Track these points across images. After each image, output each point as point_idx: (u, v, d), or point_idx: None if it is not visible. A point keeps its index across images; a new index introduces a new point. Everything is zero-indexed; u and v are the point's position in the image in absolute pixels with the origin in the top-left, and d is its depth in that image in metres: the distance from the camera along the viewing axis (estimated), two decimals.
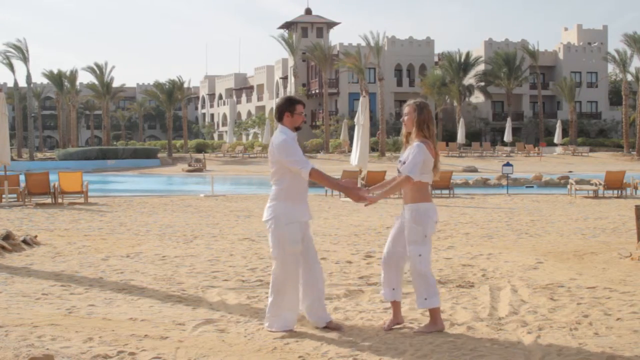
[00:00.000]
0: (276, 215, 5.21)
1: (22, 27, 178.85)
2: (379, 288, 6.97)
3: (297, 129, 5.35)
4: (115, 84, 65.97)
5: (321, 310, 5.39)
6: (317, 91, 63.15)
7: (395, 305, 5.44)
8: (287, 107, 5.31)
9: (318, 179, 5.22)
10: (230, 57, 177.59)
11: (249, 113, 77.07)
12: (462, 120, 53.91)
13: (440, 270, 8.00)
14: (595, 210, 16.02)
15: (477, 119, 64.49)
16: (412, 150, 5.26)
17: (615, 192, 21.05)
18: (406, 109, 5.42)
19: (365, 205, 5.37)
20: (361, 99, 20.38)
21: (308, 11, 67.82)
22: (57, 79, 63.13)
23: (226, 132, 73.58)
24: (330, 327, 5.36)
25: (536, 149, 53.65)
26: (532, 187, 26.37)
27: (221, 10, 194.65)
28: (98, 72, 62.20)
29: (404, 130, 5.48)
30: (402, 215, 5.39)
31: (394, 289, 5.42)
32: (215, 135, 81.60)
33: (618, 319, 5.66)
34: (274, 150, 5.22)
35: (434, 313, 5.34)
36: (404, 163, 5.31)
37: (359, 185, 20.20)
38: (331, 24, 66.92)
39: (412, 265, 5.30)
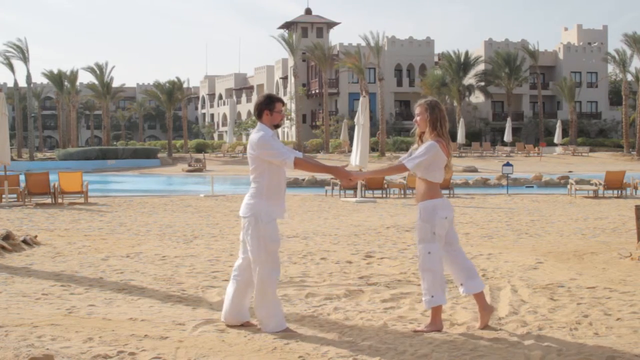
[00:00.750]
0: (256, 213, 5.20)
1: (22, 27, 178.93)
2: (380, 288, 6.97)
3: (276, 126, 5.37)
4: (115, 84, 65.97)
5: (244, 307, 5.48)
6: (317, 91, 63.17)
7: (478, 297, 5.44)
8: (266, 105, 5.32)
9: (304, 167, 5.22)
10: (230, 57, 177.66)
11: (249, 113, 77.04)
12: (462, 120, 53.91)
13: None
14: (595, 210, 16.02)
15: (477, 119, 64.49)
16: (424, 147, 5.27)
17: (615, 192, 21.05)
18: (418, 109, 5.43)
19: (349, 183, 5.35)
20: (361, 99, 20.38)
21: (308, 11, 67.83)
22: (57, 79, 63.12)
23: (226, 132, 73.55)
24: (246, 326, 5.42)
25: (536, 149, 53.64)
26: (532, 187, 26.37)
27: (221, 10, 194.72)
28: (98, 72, 62.18)
29: (417, 130, 5.48)
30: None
31: (462, 284, 5.44)
32: (215, 135, 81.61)
33: (618, 319, 5.66)
34: (253, 147, 5.23)
35: (436, 312, 5.35)
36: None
37: (359, 186, 20.25)
38: (331, 24, 66.94)
39: (422, 263, 5.29)
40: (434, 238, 5.25)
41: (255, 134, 5.26)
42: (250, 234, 5.21)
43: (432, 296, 5.26)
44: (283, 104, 5.42)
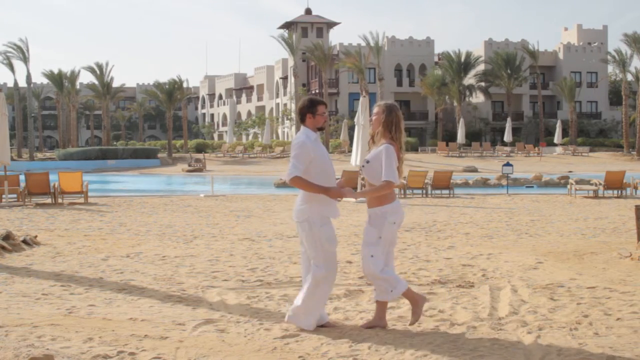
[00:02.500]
0: (309, 218, 5.24)
1: (22, 27, 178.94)
2: None
3: (320, 129, 5.44)
4: (115, 84, 66.03)
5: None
6: (317, 91, 63.14)
7: (382, 305, 5.45)
8: (309, 109, 5.37)
9: (299, 185, 5.19)
10: (230, 57, 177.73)
11: (249, 113, 77.10)
12: (462, 120, 53.92)
13: (440, 270, 8.00)
14: (595, 210, 16.02)
15: (477, 119, 64.49)
16: (382, 153, 5.24)
17: (615, 192, 21.05)
18: (375, 109, 5.45)
19: (338, 200, 5.35)
20: (361, 99, 20.38)
21: (308, 11, 67.83)
22: (57, 79, 63.14)
23: (226, 132, 73.59)
24: (327, 326, 5.43)
25: (536, 149, 53.65)
26: (532, 187, 26.38)
27: (221, 10, 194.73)
28: (98, 72, 62.21)
29: (370, 130, 5.49)
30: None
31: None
32: (215, 135, 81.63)
33: (618, 319, 5.66)
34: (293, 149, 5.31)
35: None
36: (368, 162, 5.34)
37: (359, 185, 20.22)
38: (331, 24, 66.94)
39: (364, 267, 5.29)
40: (379, 242, 5.24)
41: (297, 137, 5.31)
42: (306, 238, 5.27)
43: (392, 290, 5.26)
44: (326, 106, 5.47)
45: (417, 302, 5.40)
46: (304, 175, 5.22)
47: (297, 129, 55.53)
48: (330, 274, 5.31)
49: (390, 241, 5.33)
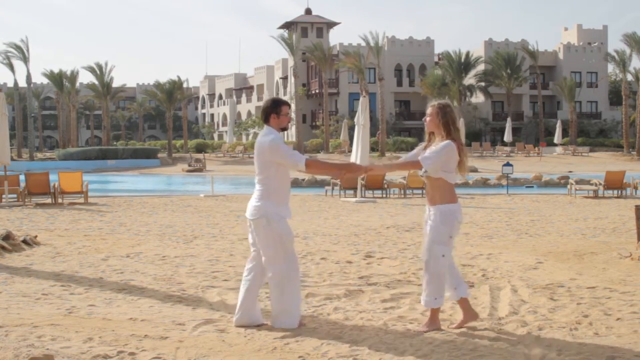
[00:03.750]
0: (266, 214, 5.23)
1: (22, 27, 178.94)
2: (379, 288, 6.97)
3: (283, 129, 5.43)
4: (115, 84, 66.01)
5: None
6: (317, 91, 63.18)
7: (463, 302, 5.45)
8: (273, 109, 5.38)
9: (316, 168, 5.25)
10: (230, 57, 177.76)
11: (249, 113, 77.10)
12: (462, 120, 53.64)
13: None
14: (595, 210, 16.01)
15: (477, 119, 64.48)
16: (441, 146, 5.26)
17: (615, 192, 21.05)
18: (429, 109, 5.44)
19: (364, 174, 5.36)
20: (361, 99, 20.38)
21: (308, 11, 67.82)
22: (57, 79, 63.14)
23: (226, 132, 73.59)
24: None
25: (536, 149, 53.64)
26: (532, 187, 26.37)
27: (221, 10, 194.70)
28: (98, 72, 62.18)
29: (426, 129, 5.50)
30: (428, 216, 5.38)
31: (455, 288, 5.41)
32: (215, 136, 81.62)
33: (618, 319, 5.66)
34: (264, 151, 5.26)
35: (435, 312, 5.39)
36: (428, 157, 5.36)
37: (359, 186, 20.25)
38: (331, 24, 66.93)
39: (434, 266, 5.27)
40: (450, 242, 5.30)
41: (264, 137, 5.30)
42: (263, 235, 5.25)
43: (436, 298, 5.28)
44: (289, 106, 5.48)
45: (435, 322, 5.37)
46: (268, 179, 5.26)
47: (298, 129, 55.79)
48: (293, 269, 5.28)
49: (453, 241, 5.39)
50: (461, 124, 52.70)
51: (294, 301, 5.33)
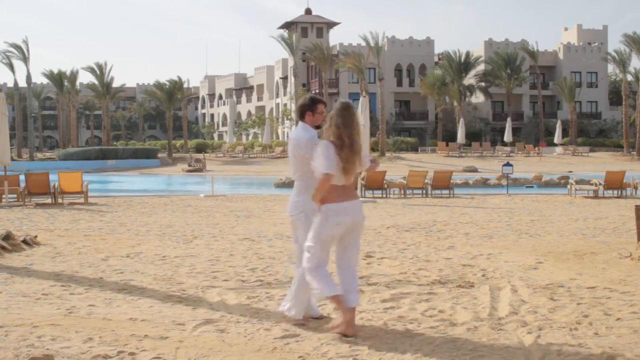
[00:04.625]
0: (305, 210, 5.35)
1: (22, 27, 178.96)
2: (379, 288, 6.97)
3: (317, 127, 5.51)
4: (115, 84, 66.01)
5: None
6: (317, 91, 63.12)
7: (349, 311, 5.20)
8: (309, 107, 5.47)
9: (322, 187, 5.17)
10: (230, 57, 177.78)
11: (249, 113, 77.08)
12: (462, 120, 53.92)
13: (440, 270, 8.00)
14: (595, 210, 16.01)
15: (477, 119, 64.50)
16: (319, 147, 5.26)
17: (615, 192, 21.05)
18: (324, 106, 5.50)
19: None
20: (361, 99, 20.38)
21: (308, 11, 67.81)
22: (57, 79, 63.14)
23: (226, 132, 73.59)
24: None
25: (536, 149, 53.64)
26: (532, 187, 26.38)
27: (221, 10, 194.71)
28: (98, 72, 62.21)
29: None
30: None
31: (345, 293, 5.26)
32: (215, 135, 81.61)
33: (618, 319, 5.66)
34: (299, 146, 5.34)
35: (339, 302, 5.20)
36: None
37: (359, 185, 20.22)
38: (331, 24, 66.92)
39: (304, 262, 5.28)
40: (318, 241, 5.17)
41: (301, 132, 5.38)
42: (302, 227, 5.36)
43: (319, 292, 5.19)
44: (325, 105, 5.54)
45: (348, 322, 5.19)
46: (307, 174, 5.32)
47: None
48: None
49: (326, 241, 5.26)
50: (461, 124, 53.01)
51: (307, 294, 5.42)
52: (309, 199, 5.31)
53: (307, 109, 5.46)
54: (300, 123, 5.49)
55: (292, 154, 5.44)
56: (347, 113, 5.23)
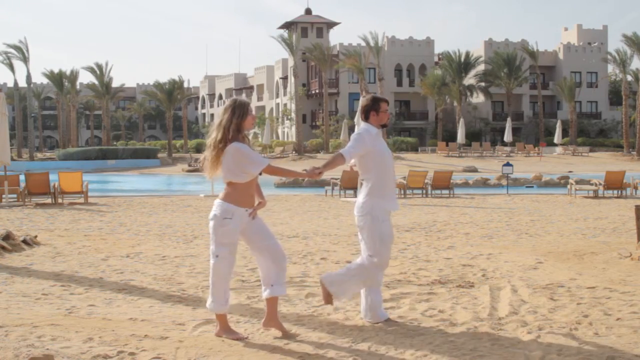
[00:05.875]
0: (371, 211, 5.38)
1: (22, 27, 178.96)
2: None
3: (383, 126, 5.54)
4: (115, 84, 66.07)
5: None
6: (317, 91, 63.16)
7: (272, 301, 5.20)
8: (372, 106, 5.51)
9: (337, 161, 5.26)
10: (230, 57, 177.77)
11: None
12: (462, 120, 53.92)
13: (440, 270, 8.00)
14: (595, 210, 16.01)
15: (477, 119, 64.48)
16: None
17: (615, 192, 21.05)
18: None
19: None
20: (361, 99, 20.40)
21: (308, 11, 67.79)
22: (57, 79, 63.16)
23: None
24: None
25: (536, 149, 53.63)
26: (532, 187, 26.38)
27: (221, 10, 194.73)
28: (98, 72, 62.22)
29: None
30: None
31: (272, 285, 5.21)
32: None
33: (618, 319, 5.66)
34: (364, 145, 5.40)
35: (220, 319, 5.18)
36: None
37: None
38: (331, 24, 66.91)
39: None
40: (224, 245, 5.09)
41: (357, 131, 5.49)
42: (367, 231, 5.39)
43: (212, 300, 5.08)
44: (388, 103, 5.58)
45: (225, 329, 5.18)
46: (361, 167, 5.42)
47: (298, 129, 55.73)
48: (379, 268, 5.42)
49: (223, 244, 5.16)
50: (461, 124, 53.02)
51: (355, 285, 5.47)
52: (374, 200, 5.39)
53: (371, 109, 5.50)
54: (362, 124, 5.52)
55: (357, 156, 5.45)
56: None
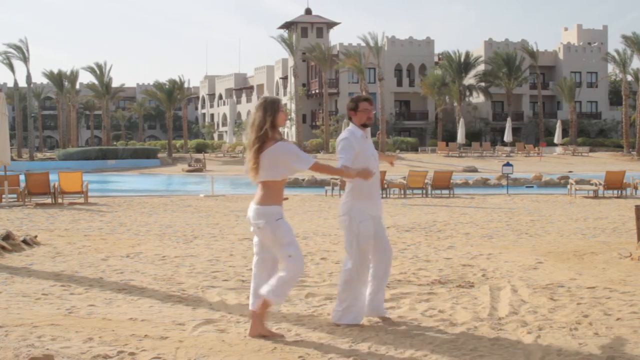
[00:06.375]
0: (349, 212, 5.39)
1: (22, 27, 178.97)
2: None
3: (364, 125, 5.51)
4: (115, 84, 66.02)
5: (378, 301, 5.57)
6: (317, 91, 63.17)
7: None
8: (352, 106, 5.55)
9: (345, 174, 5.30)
10: (230, 57, 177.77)
11: (249, 113, 76.90)
12: (462, 120, 53.92)
13: (440, 270, 8.00)
14: (595, 210, 16.01)
15: (477, 119, 64.48)
16: None
17: (615, 192, 21.05)
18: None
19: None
20: None
21: (308, 11, 67.78)
22: (57, 79, 63.15)
23: (226, 132, 73.58)
24: (385, 322, 5.54)
25: (536, 149, 53.62)
26: (532, 187, 26.37)
27: (221, 10, 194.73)
28: (98, 72, 62.19)
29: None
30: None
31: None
32: (215, 136, 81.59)
33: (618, 319, 5.66)
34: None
35: (263, 309, 5.12)
36: None
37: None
38: (331, 24, 66.90)
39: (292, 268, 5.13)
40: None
41: (340, 136, 5.47)
42: (346, 232, 5.41)
43: (273, 291, 5.01)
44: (369, 102, 5.57)
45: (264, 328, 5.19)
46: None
47: (298, 129, 55.77)
48: (361, 269, 5.40)
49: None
50: (461, 124, 53.03)
51: (355, 299, 5.42)
52: (354, 201, 5.41)
53: (351, 109, 5.53)
54: (348, 127, 5.56)
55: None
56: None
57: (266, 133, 4.96)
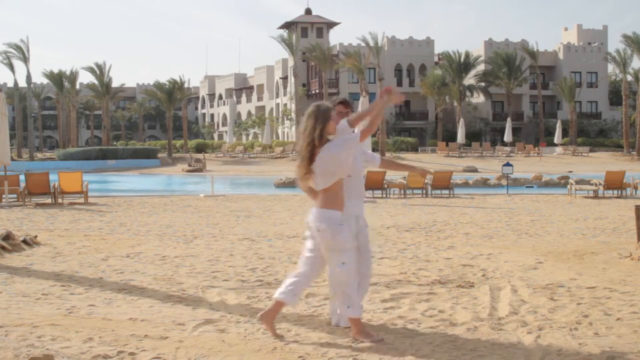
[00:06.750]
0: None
1: (22, 27, 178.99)
2: (379, 288, 6.97)
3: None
4: (115, 84, 66.00)
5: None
6: (317, 91, 63.14)
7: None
8: (329, 115, 5.40)
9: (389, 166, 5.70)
10: (230, 57, 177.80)
11: (249, 113, 77.06)
12: (462, 120, 53.92)
13: (440, 270, 8.00)
14: (595, 210, 16.01)
15: (477, 119, 64.50)
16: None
17: (615, 192, 21.05)
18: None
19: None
20: (361, 99, 20.40)
21: (308, 11, 67.79)
22: (57, 79, 63.14)
23: (226, 132, 73.56)
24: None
25: (536, 149, 53.63)
26: (532, 187, 26.37)
27: (221, 10, 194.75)
28: (98, 72, 62.17)
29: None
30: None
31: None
32: (215, 136, 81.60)
33: (618, 319, 5.66)
34: None
35: (356, 323, 5.09)
36: None
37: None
38: (331, 24, 66.91)
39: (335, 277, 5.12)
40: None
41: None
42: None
43: (349, 306, 5.03)
44: (343, 103, 5.47)
45: (363, 332, 5.11)
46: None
47: (298, 129, 55.69)
48: (351, 272, 5.24)
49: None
50: (461, 124, 53.03)
51: (354, 292, 5.23)
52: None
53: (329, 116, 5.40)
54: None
55: None
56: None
57: (314, 141, 4.92)
